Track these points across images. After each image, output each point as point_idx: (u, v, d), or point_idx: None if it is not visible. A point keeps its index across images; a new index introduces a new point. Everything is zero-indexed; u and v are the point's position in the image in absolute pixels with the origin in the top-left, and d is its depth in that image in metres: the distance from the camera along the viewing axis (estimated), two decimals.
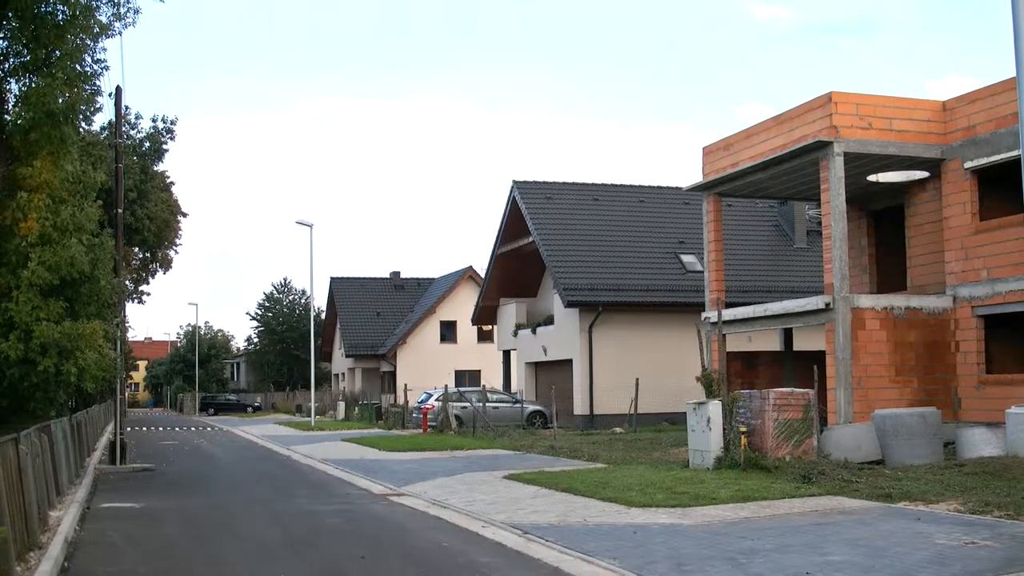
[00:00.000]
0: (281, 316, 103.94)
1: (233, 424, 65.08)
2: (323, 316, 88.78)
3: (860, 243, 32.50)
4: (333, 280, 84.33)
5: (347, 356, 79.95)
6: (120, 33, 22.79)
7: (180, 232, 54.95)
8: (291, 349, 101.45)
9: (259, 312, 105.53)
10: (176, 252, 55.74)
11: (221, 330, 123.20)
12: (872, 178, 29.35)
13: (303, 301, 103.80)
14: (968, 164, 27.17)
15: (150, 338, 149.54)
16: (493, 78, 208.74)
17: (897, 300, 27.50)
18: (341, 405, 67.10)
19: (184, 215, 55.73)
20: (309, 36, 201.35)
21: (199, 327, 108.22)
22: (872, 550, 12.68)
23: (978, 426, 24.41)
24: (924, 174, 28.79)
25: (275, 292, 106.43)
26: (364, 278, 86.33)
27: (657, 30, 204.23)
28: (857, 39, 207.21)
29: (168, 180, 53.82)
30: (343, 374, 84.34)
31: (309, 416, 61.79)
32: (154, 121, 48.63)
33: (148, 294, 58.97)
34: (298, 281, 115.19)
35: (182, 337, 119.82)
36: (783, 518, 15.69)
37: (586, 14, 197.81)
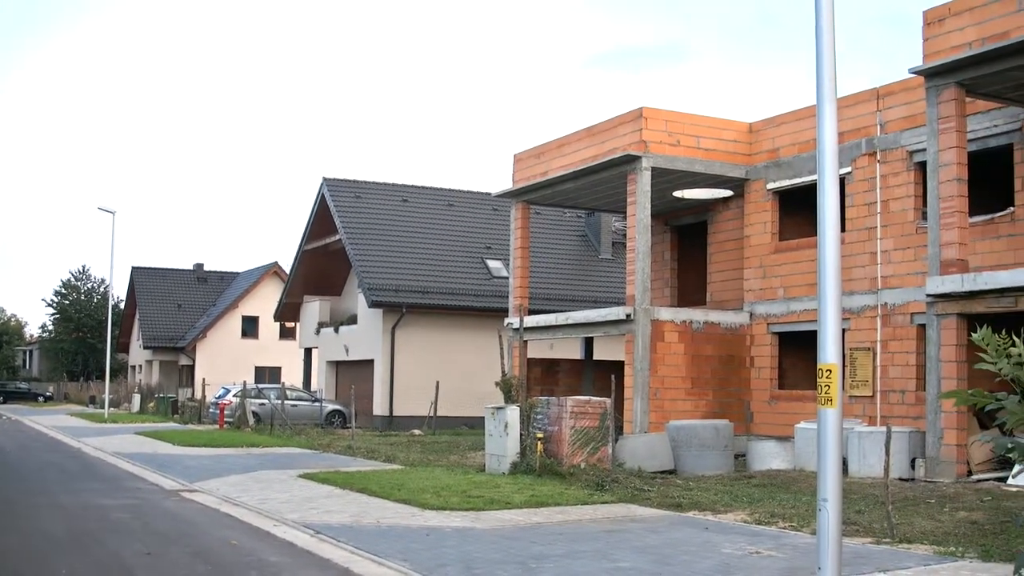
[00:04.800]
0: (78, 304, 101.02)
1: (22, 413, 62.83)
2: (123, 306, 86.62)
3: (664, 256, 33.07)
4: (134, 270, 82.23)
5: (145, 348, 78.04)
6: None
7: None
8: (87, 338, 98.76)
9: (55, 299, 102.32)
10: None
11: (14, 315, 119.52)
12: (678, 194, 29.88)
13: (102, 289, 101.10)
14: (771, 185, 27.90)
15: None
16: (306, 71, 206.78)
17: (696, 314, 28.05)
18: (136, 397, 65.43)
19: None
20: (113, 21, 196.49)
21: None
22: (660, 557, 12.81)
23: (769, 439, 25.04)
24: (728, 193, 29.45)
25: (73, 279, 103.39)
26: (166, 269, 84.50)
27: (474, 42, 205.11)
28: (667, 63, 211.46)
29: None
30: (140, 366, 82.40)
31: (103, 408, 60.11)
32: None
33: None
34: (98, 269, 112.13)
35: None
36: (575, 524, 15.76)
37: (405, 19, 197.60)
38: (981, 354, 6.42)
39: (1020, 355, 6.23)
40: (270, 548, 13.74)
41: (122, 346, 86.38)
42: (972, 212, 21.32)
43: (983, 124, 22.34)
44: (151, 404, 61.81)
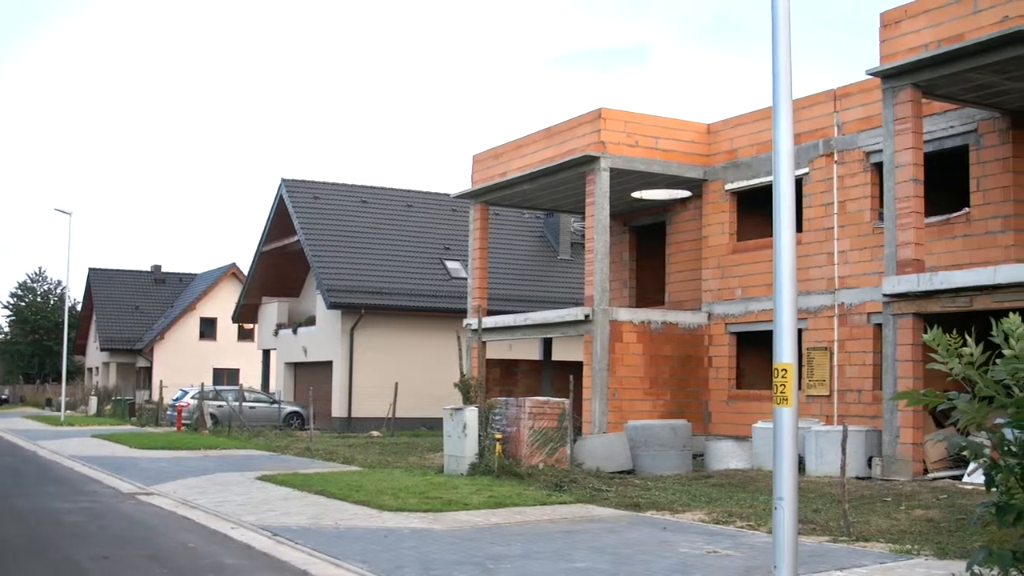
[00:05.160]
0: (35, 306, 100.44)
1: None
2: (79, 307, 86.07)
3: (623, 257, 33.13)
4: (91, 271, 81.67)
5: (102, 350, 77.49)
6: None
7: None
8: (44, 340, 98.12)
9: (11, 301, 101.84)
10: None
11: None
12: (636, 195, 29.93)
13: (59, 291, 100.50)
14: (729, 186, 28.00)
15: None
16: (264, 71, 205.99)
17: (654, 315, 28.11)
18: (93, 400, 65.00)
19: None
20: (68, 23, 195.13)
21: None
22: (618, 557, 12.82)
23: (726, 439, 25.13)
24: (686, 193, 29.52)
25: (29, 281, 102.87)
26: (124, 271, 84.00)
27: (436, 41, 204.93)
28: (631, 63, 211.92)
29: None
30: (97, 368, 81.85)
31: (59, 410, 59.69)
32: None
33: None
34: (55, 271, 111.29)
35: None
36: (533, 525, 15.75)
37: (366, 21, 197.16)
38: (932, 354, 6.44)
39: (971, 355, 6.25)
40: (228, 551, 13.65)
41: (79, 348, 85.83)
42: (928, 213, 21.49)
43: (939, 125, 22.51)
44: (108, 407, 61.39)
